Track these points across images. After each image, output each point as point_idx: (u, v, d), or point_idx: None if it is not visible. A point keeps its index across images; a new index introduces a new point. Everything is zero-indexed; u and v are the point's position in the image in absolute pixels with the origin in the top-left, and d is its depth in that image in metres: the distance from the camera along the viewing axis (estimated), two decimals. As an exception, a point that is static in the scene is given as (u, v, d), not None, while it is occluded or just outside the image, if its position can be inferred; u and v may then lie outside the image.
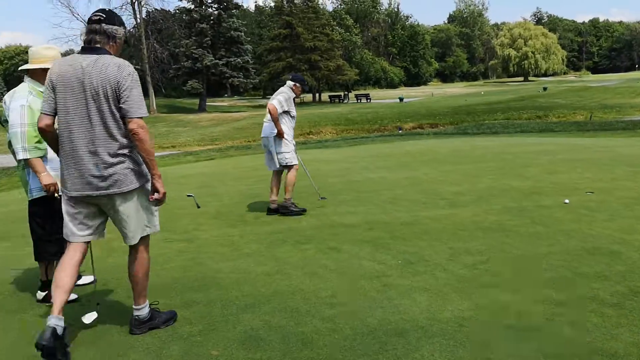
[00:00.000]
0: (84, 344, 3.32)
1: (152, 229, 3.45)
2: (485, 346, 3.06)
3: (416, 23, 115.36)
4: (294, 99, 6.77)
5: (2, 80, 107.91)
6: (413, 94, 65.59)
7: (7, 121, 3.89)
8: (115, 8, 55.77)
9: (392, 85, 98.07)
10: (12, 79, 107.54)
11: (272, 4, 76.20)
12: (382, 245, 5.09)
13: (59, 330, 3.04)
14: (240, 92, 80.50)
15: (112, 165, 3.16)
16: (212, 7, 58.29)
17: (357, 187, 8.23)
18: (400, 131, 22.48)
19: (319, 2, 74.15)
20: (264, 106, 59.95)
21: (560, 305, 3.55)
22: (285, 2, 66.86)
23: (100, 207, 3.31)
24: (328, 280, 4.24)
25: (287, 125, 6.64)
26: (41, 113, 3.24)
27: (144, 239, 3.44)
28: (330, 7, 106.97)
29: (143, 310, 3.45)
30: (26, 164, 3.86)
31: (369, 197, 7.43)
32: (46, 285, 4.02)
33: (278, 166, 6.70)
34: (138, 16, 51.89)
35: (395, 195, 7.40)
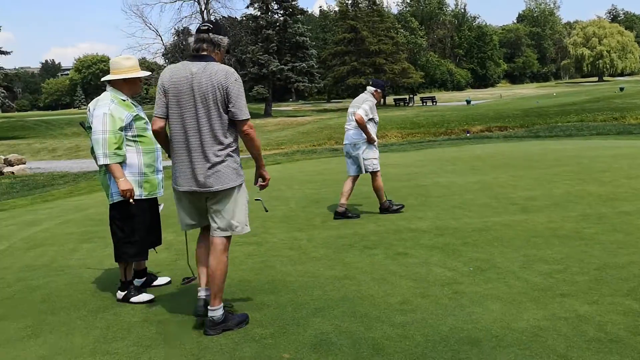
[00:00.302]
0: (158, 344, 3.44)
1: (240, 228, 3.62)
2: (563, 358, 2.96)
3: (484, 23, 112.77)
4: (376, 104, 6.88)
5: (81, 88, 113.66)
6: (481, 96, 64.17)
7: (90, 127, 4.08)
8: (185, 17, 57.81)
9: (458, 87, 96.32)
10: (90, 87, 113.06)
11: (337, 9, 76.55)
12: (452, 252, 5.01)
13: (203, 298, 3.62)
14: (305, 96, 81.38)
15: (216, 164, 3.43)
16: (277, 13, 59.21)
17: (425, 191, 8.13)
18: (468, 134, 22.05)
19: (384, 6, 73.96)
20: (328, 110, 60.40)
21: (644, 318, 3.38)
22: (349, 7, 67.03)
23: (204, 201, 3.58)
24: (397, 286, 4.21)
25: (372, 132, 6.74)
26: (154, 116, 3.53)
27: (228, 239, 3.63)
28: (395, 10, 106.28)
29: (218, 312, 3.55)
30: (107, 169, 4.04)
31: (438, 201, 7.33)
32: (125, 285, 4.21)
33: (364, 172, 6.81)
34: (207, 24, 53.38)
35: (464, 200, 7.27)
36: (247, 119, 3.47)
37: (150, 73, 4.76)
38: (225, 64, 3.56)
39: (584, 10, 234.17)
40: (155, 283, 4.56)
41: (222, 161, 3.45)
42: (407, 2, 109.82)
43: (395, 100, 64.32)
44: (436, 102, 57.77)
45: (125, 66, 4.18)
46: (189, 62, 3.46)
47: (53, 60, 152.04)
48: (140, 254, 4.26)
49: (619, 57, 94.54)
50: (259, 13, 58.55)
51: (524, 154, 11.81)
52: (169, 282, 4.60)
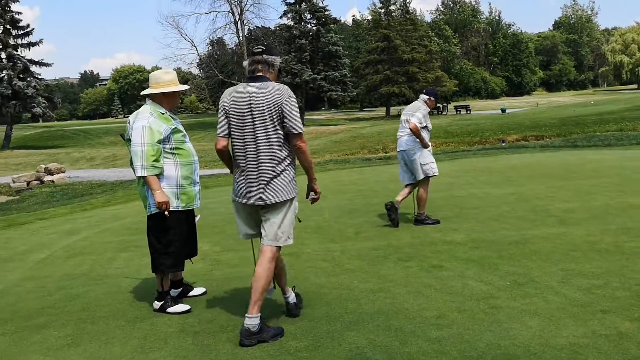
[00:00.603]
0: (194, 355, 3.48)
1: (283, 240, 3.76)
2: (605, 378, 2.88)
3: (519, 31, 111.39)
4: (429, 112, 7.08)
5: (118, 98, 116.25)
6: (516, 105, 63.29)
7: (129, 140, 4.17)
8: (220, 27, 58.69)
9: (493, 95, 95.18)
10: (127, 97, 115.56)
11: (370, 17, 76.65)
12: (488, 265, 4.95)
13: (293, 300, 4.03)
14: (337, 105, 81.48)
15: (273, 178, 3.66)
16: (310, 23, 59.61)
17: (460, 202, 8.05)
18: (503, 144, 21.75)
19: (417, 14, 73.68)
20: (361, 119, 60.37)
21: (690, 337, 3.27)
22: (382, 15, 67.06)
23: (260, 212, 3.78)
24: (433, 299, 4.18)
25: (425, 139, 6.93)
26: (218, 136, 3.78)
27: (278, 249, 3.78)
28: (428, 18, 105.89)
29: (254, 320, 3.59)
30: (144, 180, 4.12)
31: (473, 213, 7.24)
32: (162, 295, 4.27)
33: (422, 177, 6.92)
34: (241, 34, 54.01)
35: (500, 212, 7.16)
36: (301, 133, 3.66)
37: (188, 87, 4.85)
38: (278, 81, 3.69)
39: (623, 16, 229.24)
40: (191, 293, 4.62)
41: (278, 175, 3.66)
42: (440, 10, 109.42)
43: (428, 109, 63.87)
44: (470, 110, 57.22)
45: (164, 80, 4.26)
46: (246, 83, 3.66)
47: (92, 70, 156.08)
48: (176, 265, 4.32)
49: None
50: (292, 23, 59.05)
51: (561, 164, 11.59)
52: (205, 293, 4.66)
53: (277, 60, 3.74)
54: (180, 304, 4.28)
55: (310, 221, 7.37)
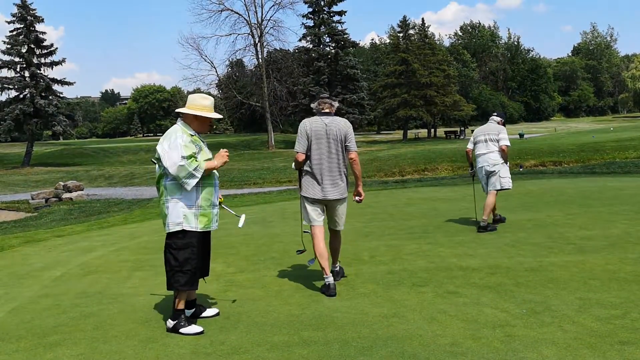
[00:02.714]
0: (209, 375, 3.46)
1: (342, 226, 5.56)
2: (623, 412, 2.81)
3: (538, 56, 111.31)
4: None
5: (137, 117, 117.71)
6: (534, 130, 62.97)
7: (159, 159, 4.25)
8: (239, 49, 59.40)
9: (511, 120, 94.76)
10: (147, 116, 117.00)
11: (388, 41, 77.12)
12: (504, 292, 4.88)
13: (332, 284, 5.14)
14: (355, 127, 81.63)
15: (339, 182, 5.30)
16: (329, 46, 60.19)
17: (476, 228, 7.97)
18: (520, 169, 21.57)
19: (436, 38, 73.97)
20: (378, 142, 60.43)
21: None
22: (401, 39, 67.45)
23: (326, 205, 5.38)
24: (447, 326, 4.12)
25: None
26: (299, 152, 5.26)
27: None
28: (447, 43, 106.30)
29: (337, 265, 5.63)
30: (180, 199, 4.22)
31: (489, 239, 7.17)
32: (177, 314, 4.28)
33: (499, 187, 7.99)
34: (260, 56, 54.67)
35: (517, 238, 7.09)
36: (355, 150, 5.38)
37: (221, 117, 5.07)
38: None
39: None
40: (204, 314, 4.61)
41: (343, 180, 5.34)
42: (459, 35, 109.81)
43: (446, 132, 63.84)
44: (488, 135, 56.93)
45: (200, 104, 4.38)
46: (321, 117, 5.31)
47: (112, 90, 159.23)
48: (190, 283, 4.34)
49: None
50: (310, 46, 59.70)
51: (579, 191, 11.46)
52: (218, 314, 4.65)
53: (335, 103, 5.44)
54: (193, 325, 4.28)
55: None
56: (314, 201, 5.28)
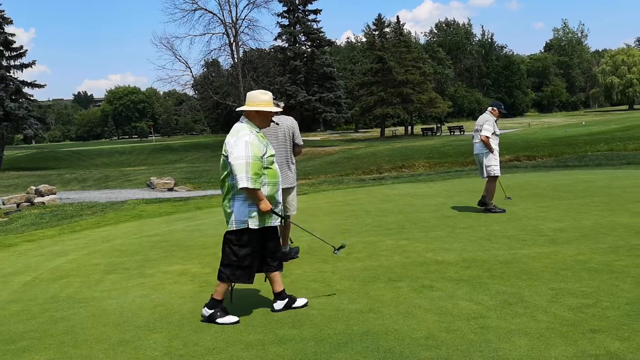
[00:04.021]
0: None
1: (294, 211, 6.41)
2: (594, 399, 2.84)
3: (511, 53, 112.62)
4: (496, 121, 8.74)
5: (112, 119, 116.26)
6: (509, 126, 63.64)
7: (226, 156, 4.29)
8: (214, 49, 59.00)
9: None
10: (121, 118, 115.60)
11: (364, 40, 77.37)
12: (479, 285, 4.91)
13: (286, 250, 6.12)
14: (332, 126, 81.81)
15: (289, 172, 6.20)
16: (305, 45, 60.15)
17: (452, 222, 8.02)
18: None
19: (411, 36, 74.39)
20: (356, 140, 60.55)
21: (681, 357, 3.24)
22: (377, 37, 67.67)
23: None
24: (423, 320, 4.13)
25: (494, 142, 8.65)
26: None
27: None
28: (422, 40, 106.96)
29: (286, 247, 6.13)
30: (246, 192, 4.24)
31: (464, 233, 7.22)
32: (215, 303, 4.38)
33: (486, 176, 8.72)
34: (235, 56, 54.37)
35: (492, 232, 7.15)
36: (302, 144, 6.39)
37: (281, 110, 5.24)
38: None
39: (612, 38, 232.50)
40: (295, 305, 4.63)
41: (291, 171, 6.26)
42: (434, 33, 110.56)
43: (422, 130, 64.22)
44: (464, 131, 57.47)
45: (261, 100, 4.43)
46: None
47: (85, 92, 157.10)
48: (245, 277, 4.44)
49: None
50: (286, 45, 59.58)
51: (552, 184, 11.61)
52: (307, 304, 4.63)
53: (282, 103, 5.68)
54: (229, 315, 4.37)
55: (301, 242, 7.32)
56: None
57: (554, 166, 17.17)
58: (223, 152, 4.38)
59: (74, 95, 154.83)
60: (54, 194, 18.12)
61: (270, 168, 4.41)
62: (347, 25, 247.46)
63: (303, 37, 60.62)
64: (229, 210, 4.38)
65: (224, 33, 54.07)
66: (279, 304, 4.59)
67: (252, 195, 4.24)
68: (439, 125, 66.68)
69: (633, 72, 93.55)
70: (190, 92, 69.30)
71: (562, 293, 4.51)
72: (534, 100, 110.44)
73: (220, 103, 59.16)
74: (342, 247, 4.68)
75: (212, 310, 4.36)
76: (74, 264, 7.00)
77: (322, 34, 60.20)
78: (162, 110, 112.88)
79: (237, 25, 53.66)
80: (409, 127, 68.37)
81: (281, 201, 4.63)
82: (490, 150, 8.59)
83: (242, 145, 4.22)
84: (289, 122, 6.15)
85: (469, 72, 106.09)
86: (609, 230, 6.70)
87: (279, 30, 60.57)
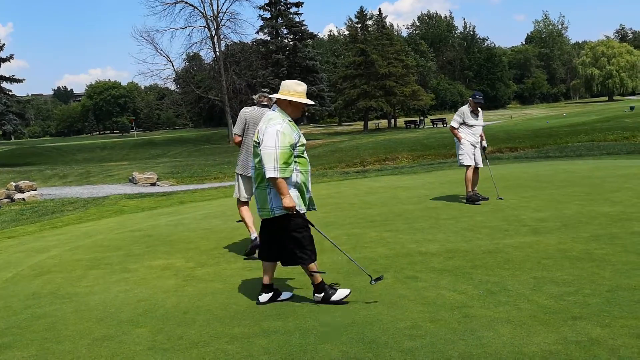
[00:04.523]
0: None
1: None
2: (576, 384, 2.88)
3: (493, 45, 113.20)
4: (475, 112, 8.83)
5: (93, 114, 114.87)
6: (491, 117, 64.09)
7: (259, 143, 4.32)
8: (196, 42, 58.55)
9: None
10: (102, 113, 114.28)
11: (347, 33, 77.27)
12: (462, 275, 4.95)
13: (255, 239, 6.09)
14: (316, 119, 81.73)
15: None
16: (287, 38, 59.94)
17: (435, 213, 8.07)
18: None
19: (394, 29, 74.47)
20: (339, 133, 60.58)
21: (660, 342, 3.30)
22: (359, 30, 67.60)
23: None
24: (407, 310, 4.15)
25: (464, 132, 8.82)
26: (236, 134, 6.21)
27: None
28: (405, 33, 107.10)
29: (253, 234, 6.17)
30: (272, 183, 4.25)
31: (448, 224, 7.26)
32: (320, 287, 4.47)
33: (459, 164, 8.97)
34: (217, 50, 53.99)
35: (475, 223, 7.20)
36: None
37: (314, 103, 5.32)
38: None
39: (592, 30, 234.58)
40: (280, 298, 4.68)
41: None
42: (416, 25, 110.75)
43: (406, 122, 64.40)
44: (447, 123, 57.74)
45: (295, 90, 4.49)
46: (259, 107, 6.23)
47: (65, 86, 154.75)
48: (314, 255, 4.48)
49: (628, 76, 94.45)
50: (268, 38, 59.31)
51: (534, 175, 11.72)
52: (291, 297, 4.70)
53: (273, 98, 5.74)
54: (340, 290, 4.46)
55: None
56: (247, 178, 6.19)
57: (536, 157, 17.33)
58: (255, 139, 4.43)
59: (54, 90, 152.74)
60: (35, 190, 17.90)
61: (302, 157, 4.46)
62: (330, 19, 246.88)
63: (285, 30, 60.41)
64: (265, 199, 4.43)
65: (205, 26, 53.62)
66: (263, 297, 4.60)
67: (277, 187, 4.25)
68: (421, 117, 66.92)
69: (613, 63, 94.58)
70: (172, 87, 68.72)
71: (544, 281, 4.57)
72: (515, 92, 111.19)
73: (203, 97, 58.79)
74: (379, 278, 4.55)
75: (322, 294, 4.44)
76: (55, 260, 6.92)
77: (305, 27, 60.06)
78: (144, 104, 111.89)
79: (219, 19, 53.24)
80: (392, 120, 68.52)
81: (310, 188, 4.65)
82: (457, 138, 8.81)
83: (272, 134, 4.25)
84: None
85: (451, 65, 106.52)
86: (589, 220, 6.78)
87: (261, 23, 60.31)
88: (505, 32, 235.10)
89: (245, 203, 6.42)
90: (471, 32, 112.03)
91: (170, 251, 6.85)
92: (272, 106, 5.52)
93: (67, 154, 51.84)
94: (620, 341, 3.33)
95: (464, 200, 8.91)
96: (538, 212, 7.53)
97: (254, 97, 6.35)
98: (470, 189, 8.75)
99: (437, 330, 3.71)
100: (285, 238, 4.45)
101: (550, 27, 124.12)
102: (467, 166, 8.79)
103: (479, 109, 8.93)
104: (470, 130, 8.81)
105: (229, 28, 70.58)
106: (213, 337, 3.90)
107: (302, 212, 4.46)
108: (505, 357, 3.23)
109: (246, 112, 6.21)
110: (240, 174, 6.34)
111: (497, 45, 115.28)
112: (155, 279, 5.62)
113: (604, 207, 7.45)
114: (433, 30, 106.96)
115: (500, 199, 8.83)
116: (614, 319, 3.67)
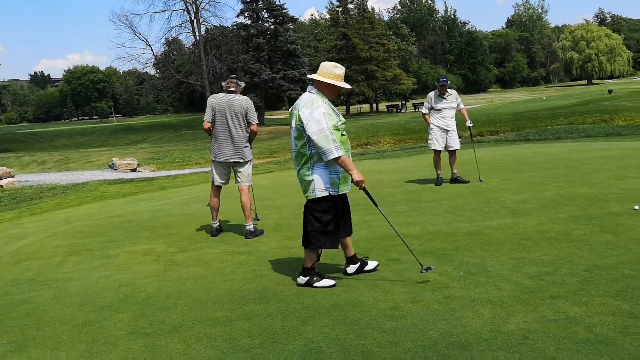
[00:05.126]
0: (144, 358, 3.40)
1: (250, 182, 6.59)
2: (553, 361, 2.93)
3: (474, 29, 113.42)
4: (441, 95, 9.00)
5: (71, 99, 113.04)
6: (472, 101, 64.41)
7: (302, 126, 4.32)
8: (175, 26, 57.76)
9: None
10: (80, 99, 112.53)
11: (328, 16, 76.77)
12: (443, 256, 5.00)
13: (215, 227, 6.63)
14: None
15: (241, 147, 6.40)
16: (268, 21, 59.29)
17: (417, 197, 8.11)
18: (459, 139, 22.14)
19: (375, 13, 74.22)
20: (321, 118, 60.38)
21: (633, 317, 3.37)
22: (340, 14, 67.23)
23: (231, 167, 6.50)
24: (389, 292, 4.19)
25: (433, 117, 9.08)
26: (205, 121, 6.37)
27: (249, 186, 6.59)
28: (386, 17, 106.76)
29: (251, 226, 6.37)
30: (337, 162, 4.27)
31: (429, 207, 7.31)
32: (308, 271, 4.51)
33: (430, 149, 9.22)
34: (197, 34, 53.37)
35: (456, 205, 7.26)
36: (256, 122, 6.50)
37: (351, 87, 5.24)
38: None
39: (572, 14, 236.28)
40: (367, 268, 4.77)
41: (245, 146, 6.42)
42: (397, 9, 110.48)
43: (387, 106, 64.50)
44: (428, 107, 57.91)
45: (333, 73, 4.44)
46: (226, 94, 6.36)
47: (42, 72, 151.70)
48: (331, 242, 4.51)
49: (607, 59, 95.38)
50: (249, 22, 58.60)
51: (514, 158, 11.84)
52: (377, 267, 4.80)
53: (242, 84, 6.51)
54: (325, 279, 4.50)
55: (268, 219, 7.32)
56: (218, 163, 6.42)
57: (516, 140, 17.49)
58: (297, 123, 4.39)
59: (30, 75, 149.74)
60: (12, 176, 17.63)
61: (343, 136, 4.48)
62: (311, 2, 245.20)
63: (266, 13, 59.69)
64: (308, 179, 4.44)
65: (184, 10, 52.96)
66: (351, 268, 4.74)
67: (343, 165, 4.29)
68: (403, 102, 67.05)
69: (592, 47, 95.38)
70: (152, 71, 67.74)
71: (523, 262, 4.63)
72: (496, 76, 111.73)
73: (183, 82, 58.15)
74: (429, 268, 4.42)
75: (308, 277, 4.50)
76: (34, 246, 6.84)
77: (286, 11, 59.39)
78: (123, 90, 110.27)
79: (198, 2, 52.59)
80: (374, 104, 68.54)
81: None
82: (428, 125, 9.09)
83: (321, 117, 4.26)
84: (242, 101, 6.32)
85: (433, 49, 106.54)
86: (568, 201, 6.87)
87: (241, 6, 59.51)
88: (486, 16, 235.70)
89: (219, 189, 6.60)
90: (452, 16, 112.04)
91: (151, 236, 6.81)
92: (239, 92, 6.33)
93: (45, 140, 51.12)
94: (597, 319, 3.40)
95: (448, 182, 9.01)
96: (518, 194, 7.61)
97: (223, 84, 6.46)
98: (439, 171, 9.11)
99: (418, 311, 3.75)
100: (312, 219, 4.50)
101: (531, 10, 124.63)
102: (436, 150, 9.03)
103: (451, 92, 9.06)
104: (439, 115, 9.00)
105: (209, 11, 69.89)
106: (195, 321, 3.89)
107: (347, 190, 4.52)
108: (485, 336, 3.28)
109: (213, 99, 6.32)
110: (212, 160, 6.51)
111: (478, 29, 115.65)
112: (137, 264, 5.58)
113: (582, 189, 7.55)
114: (414, 14, 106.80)
115: (481, 181, 8.90)
116: (590, 297, 3.74)
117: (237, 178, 6.55)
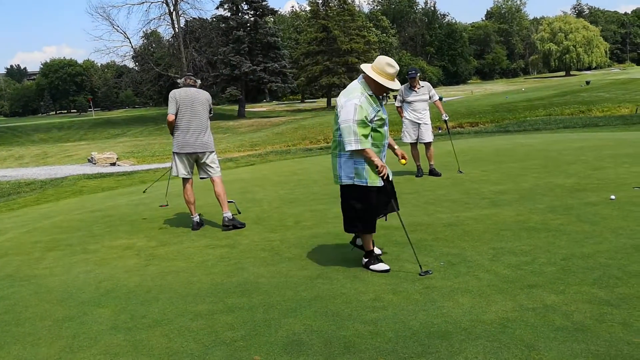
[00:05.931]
0: (126, 352, 3.39)
1: (217, 173, 6.67)
2: (530, 348, 2.99)
3: (453, 21, 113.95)
4: (412, 87, 9.04)
5: (48, 93, 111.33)
6: (452, 93, 64.82)
7: (337, 116, 4.38)
8: (154, 18, 57.16)
9: (430, 84, 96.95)
10: (58, 92, 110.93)
11: (308, 8, 76.54)
12: (424, 247, 5.04)
13: (195, 222, 6.66)
14: (278, 96, 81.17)
15: (205, 138, 6.54)
16: (248, 14, 59.00)
17: (398, 188, 8.10)
18: (439, 130, 22.23)
19: (355, 5, 74.15)
20: (302, 110, 60.50)
21: (609, 305, 3.44)
22: (320, 6, 67.06)
23: (197, 159, 6.57)
24: (370, 283, 4.22)
25: (405, 110, 9.13)
26: (169, 114, 6.42)
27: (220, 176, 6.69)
28: (366, 9, 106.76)
29: (229, 213, 6.49)
30: (352, 154, 4.35)
31: (410, 198, 7.36)
32: (369, 253, 4.61)
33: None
34: (176, 26, 52.85)
35: (436, 196, 7.32)
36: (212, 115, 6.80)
37: (399, 89, 5.28)
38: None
39: (550, 6, 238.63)
40: (358, 243, 4.88)
41: (207, 137, 6.55)
42: (378, 1, 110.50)
43: (367, 98, 64.45)
44: (408, 99, 58.11)
45: (384, 71, 4.42)
46: (187, 88, 6.55)
47: (18, 65, 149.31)
48: (367, 228, 4.57)
49: (585, 51, 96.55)
50: (228, 14, 58.27)
51: (494, 149, 11.95)
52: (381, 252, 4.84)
53: (198, 82, 6.73)
54: (381, 264, 4.55)
55: (249, 212, 7.31)
56: (183, 156, 6.48)
57: (495, 131, 17.67)
58: (336, 109, 4.45)
59: (6, 69, 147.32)
60: (-11, 172, 17.35)
61: (379, 131, 4.47)
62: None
63: (246, 5, 59.36)
64: (335, 164, 4.54)
65: (163, 2, 52.36)
66: (359, 241, 4.85)
67: (366, 158, 4.35)
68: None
69: (570, 39, 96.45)
70: (131, 64, 67.05)
71: (502, 252, 4.69)
72: (476, 67, 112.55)
73: (163, 75, 57.60)
74: (427, 272, 4.34)
75: (367, 259, 4.60)
76: (12, 242, 6.76)
77: (265, 3, 59.13)
78: (101, 83, 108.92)
79: (177, -6, 52.00)
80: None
81: (384, 162, 4.63)
82: (401, 116, 9.16)
83: (351, 108, 4.28)
84: (206, 95, 6.65)
85: (413, 41, 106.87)
86: (546, 191, 6.97)
87: (220, -2, 59.06)
88: (466, 8, 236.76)
89: (189, 181, 6.62)
90: (432, 8, 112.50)
91: (131, 231, 6.77)
92: (197, 85, 6.64)
93: (22, 134, 50.33)
94: (574, 307, 3.47)
95: (426, 174, 9.07)
96: (497, 185, 7.70)
97: (179, 81, 6.70)
98: (417, 163, 9.20)
99: (399, 302, 3.78)
100: (346, 206, 4.60)
101: (509, 2, 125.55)
102: (411, 143, 9.19)
103: (422, 85, 9.12)
104: (410, 108, 9.07)
105: (188, 3, 69.18)
106: (177, 314, 3.89)
107: (379, 184, 4.48)
108: (464, 325, 3.32)
109: (177, 93, 6.46)
110: (175, 152, 6.53)
111: (457, 21, 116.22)
112: (117, 259, 5.55)
113: (559, 179, 7.66)
114: (394, 6, 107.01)
115: (461, 172, 8.98)
116: (568, 286, 3.81)
117: (208, 171, 6.60)
